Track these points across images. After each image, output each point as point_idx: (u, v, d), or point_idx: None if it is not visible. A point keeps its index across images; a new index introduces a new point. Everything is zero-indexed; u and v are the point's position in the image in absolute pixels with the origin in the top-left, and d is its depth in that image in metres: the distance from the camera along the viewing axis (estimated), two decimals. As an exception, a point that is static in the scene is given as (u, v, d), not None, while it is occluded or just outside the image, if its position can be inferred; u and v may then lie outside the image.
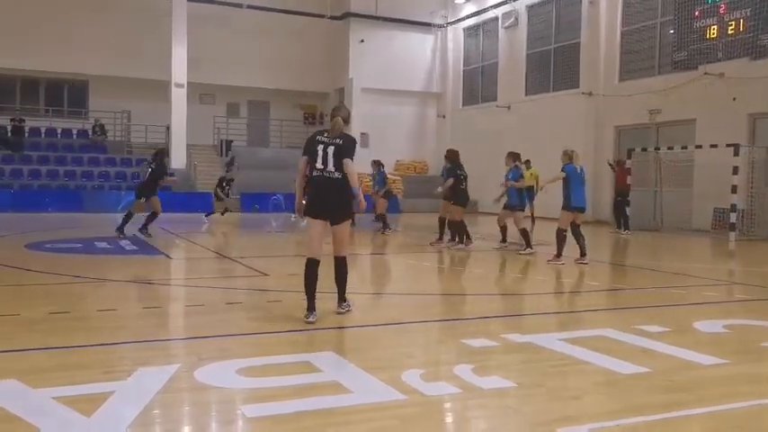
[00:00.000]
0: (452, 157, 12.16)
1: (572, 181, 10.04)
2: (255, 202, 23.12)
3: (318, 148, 5.70)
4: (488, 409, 3.70)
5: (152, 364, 4.37)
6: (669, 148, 17.64)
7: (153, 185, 13.23)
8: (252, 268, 9.36)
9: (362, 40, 27.35)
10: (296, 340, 5.20)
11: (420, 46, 28.73)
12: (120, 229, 12.96)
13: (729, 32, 17.07)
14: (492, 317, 6.46)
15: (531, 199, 18.69)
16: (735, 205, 15.22)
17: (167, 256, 11.04)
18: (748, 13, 16.62)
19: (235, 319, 6.05)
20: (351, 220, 6.05)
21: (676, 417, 3.55)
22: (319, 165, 5.69)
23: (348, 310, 6.13)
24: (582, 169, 10.32)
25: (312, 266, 5.87)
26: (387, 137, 27.09)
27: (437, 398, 3.82)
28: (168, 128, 25.27)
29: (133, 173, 24.23)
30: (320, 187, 5.75)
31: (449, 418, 3.65)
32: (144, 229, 13.20)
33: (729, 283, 9.28)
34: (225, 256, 10.93)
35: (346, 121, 5.89)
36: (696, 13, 17.89)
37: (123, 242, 12.56)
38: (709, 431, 3.40)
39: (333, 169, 5.67)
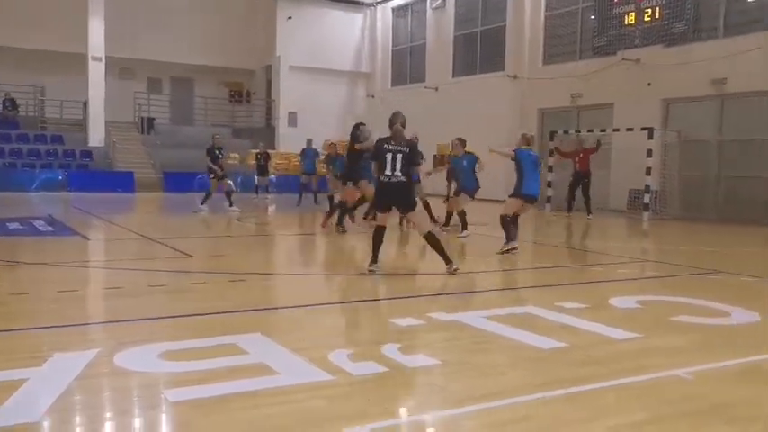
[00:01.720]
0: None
1: (525, 167, 9.24)
2: (179, 181, 22.52)
3: (387, 156, 6.59)
4: (415, 387, 3.76)
5: (69, 349, 4.20)
6: (589, 131, 18.24)
7: (357, 165, 11.01)
8: (175, 249, 9.12)
9: (290, 17, 26.91)
10: (221, 322, 5.11)
11: (349, 25, 28.52)
12: (340, 222, 11.45)
13: (646, 19, 17.76)
14: (419, 296, 6.54)
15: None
16: (648, 186, 15.93)
17: (85, 238, 10.62)
18: (663, 1, 17.31)
19: (157, 302, 5.90)
20: (418, 206, 7.32)
21: (593, 389, 3.70)
22: (388, 171, 6.61)
23: (454, 270, 7.02)
24: (537, 155, 9.62)
25: (380, 230, 7.04)
26: (316, 116, 26.81)
27: (364, 377, 3.83)
28: (85, 103, 24.21)
29: (48, 150, 23.13)
30: (387, 190, 6.75)
31: (376, 397, 3.68)
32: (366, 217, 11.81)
33: (643, 260, 9.71)
34: (147, 237, 10.61)
35: (404, 126, 6.78)
36: (615, 0, 18.49)
37: (37, 222, 12.01)
38: (622, 402, 3.56)
39: (400, 174, 6.61)
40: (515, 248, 9.17)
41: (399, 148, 6.56)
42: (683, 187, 17.13)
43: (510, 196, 9.49)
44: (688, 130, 17.14)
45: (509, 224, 9.24)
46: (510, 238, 9.21)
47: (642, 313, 5.87)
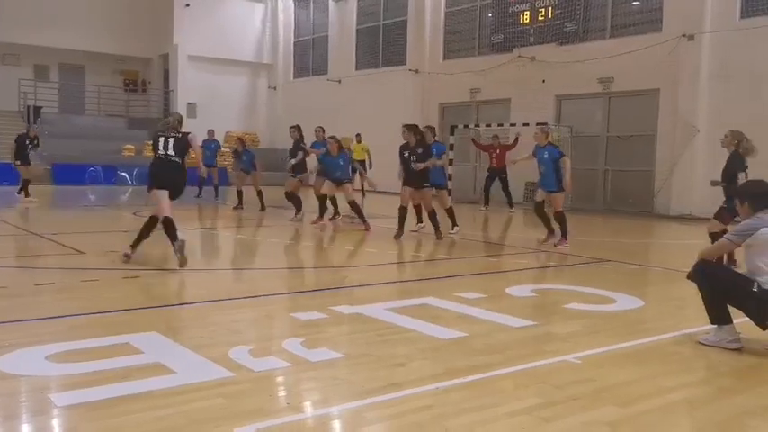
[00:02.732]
0: (296, 134, 12.48)
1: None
2: (69, 174, 21.41)
3: (160, 139, 7.34)
4: (318, 381, 3.74)
5: (-57, 355, 3.90)
6: (487, 126, 18.77)
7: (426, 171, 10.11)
8: (65, 246, 8.65)
9: (188, 5, 26.03)
10: (115, 321, 4.90)
11: (249, 15, 27.94)
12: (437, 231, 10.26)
13: (540, 19, 18.52)
14: (322, 290, 6.53)
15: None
16: (543, 180, 16.59)
17: (-37, 234, 9.88)
18: (556, 2, 18.09)
19: (44, 302, 5.58)
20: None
21: (491, 376, 3.83)
22: (161, 150, 7.28)
23: (182, 259, 6.95)
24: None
25: (153, 222, 7.29)
26: (216, 107, 26.13)
27: (266, 373, 3.79)
28: (-38, 90, 22.51)
29: None
30: (164, 166, 7.31)
31: (278, 393, 3.64)
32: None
33: (537, 251, 10.11)
34: (34, 233, 10.00)
35: (180, 123, 7.54)
36: (511, -1, 19.15)
37: None
38: (519, 388, 3.69)
39: (173, 154, 7.29)
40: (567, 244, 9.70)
41: (170, 135, 7.37)
42: (575, 180, 17.88)
43: (556, 192, 9.86)
44: (579, 125, 18.01)
45: (564, 219, 9.88)
46: (565, 232, 9.80)
47: (537, 302, 6.12)
